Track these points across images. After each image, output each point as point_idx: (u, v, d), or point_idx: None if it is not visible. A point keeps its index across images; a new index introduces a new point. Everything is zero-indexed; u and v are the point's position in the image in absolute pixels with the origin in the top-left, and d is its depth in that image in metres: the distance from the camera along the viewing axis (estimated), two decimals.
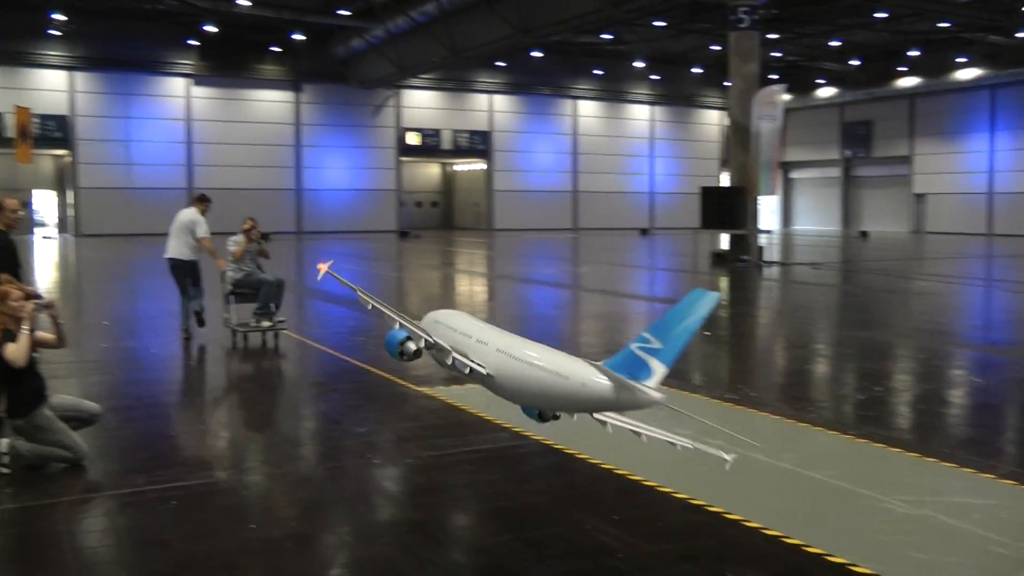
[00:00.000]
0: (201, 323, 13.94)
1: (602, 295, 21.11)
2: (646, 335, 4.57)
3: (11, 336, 7.14)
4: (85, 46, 50.02)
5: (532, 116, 63.17)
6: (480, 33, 43.44)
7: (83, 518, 6.43)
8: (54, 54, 50.11)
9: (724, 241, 31.23)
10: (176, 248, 13.90)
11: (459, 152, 62.15)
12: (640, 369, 4.55)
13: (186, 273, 13.89)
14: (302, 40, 51.58)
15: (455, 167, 67.70)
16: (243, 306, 13.60)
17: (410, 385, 10.12)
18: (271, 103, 55.73)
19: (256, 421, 9.13)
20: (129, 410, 9.32)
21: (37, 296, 7.53)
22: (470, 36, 44.18)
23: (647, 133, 67.58)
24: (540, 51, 56.02)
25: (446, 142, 60.78)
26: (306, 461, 7.74)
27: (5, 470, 7.06)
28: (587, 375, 4.70)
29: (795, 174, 69.77)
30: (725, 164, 44.60)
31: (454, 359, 5.23)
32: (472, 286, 25.40)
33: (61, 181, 55.38)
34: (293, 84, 55.88)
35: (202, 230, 13.85)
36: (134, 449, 7.91)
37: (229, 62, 53.54)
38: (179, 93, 53.48)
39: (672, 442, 5.16)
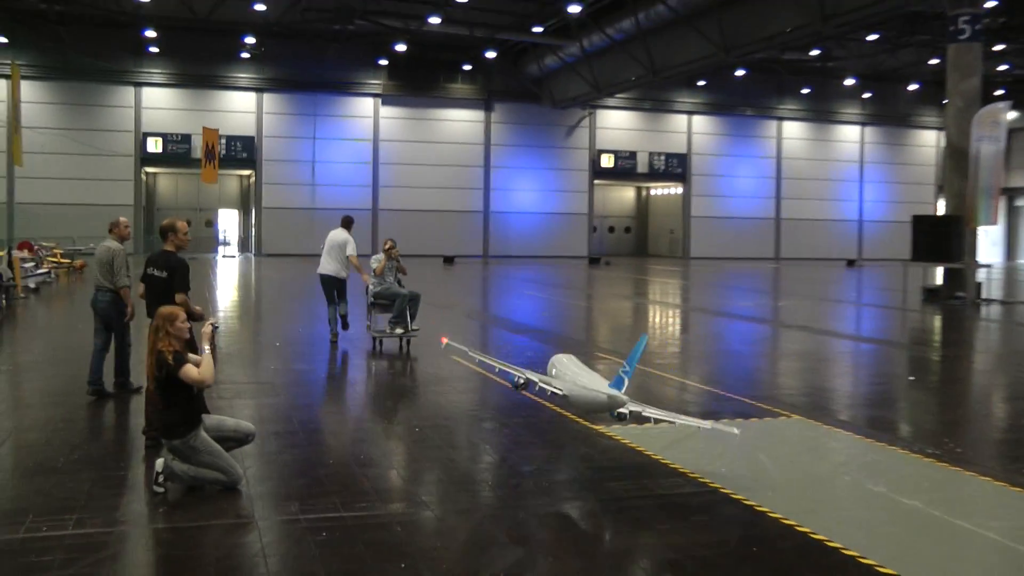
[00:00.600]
0: (345, 326, 15.62)
1: (802, 332, 19.82)
2: (625, 364, 7.49)
3: (181, 359, 7.18)
4: (274, 68, 51.37)
5: (733, 138, 61.30)
6: (680, 51, 42.58)
7: (233, 543, 6.26)
8: (244, 76, 51.59)
9: (938, 275, 29.15)
10: (328, 265, 15.56)
11: (655, 175, 60.79)
12: (620, 383, 7.45)
13: (335, 286, 15.55)
14: (494, 58, 51.45)
15: (651, 191, 66.67)
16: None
17: (584, 423, 9.57)
18: (460, 123, 55.66)
19: (416, 454, 8.74)
20: (291, 435, 9.15)
21: (202, 318, 7.71)
22: (669, 54, 43.39)
23: (857, 156, 64.58)
24: (743, 69, 54.66)
25: (641, 165, 59.65)
26: (466, 499, 7.28)
27: (160, 489, 7.04)
28: (599, 390, 7.52)
29: (1021, 201, 65.27)
30: (942, 190, 42.04)
31: (541, 386, 7.94)
32: (664, 318, 24.36)
33: (245, 201, 56.88)
34: (484, 103, 55.78)
35: (351, 248, 15.46)
36: (291, 476, 7.71)
37: (418, 81, 53.79)
38: (366, 113, 53.96)
39: (697, 426, 7.81)
